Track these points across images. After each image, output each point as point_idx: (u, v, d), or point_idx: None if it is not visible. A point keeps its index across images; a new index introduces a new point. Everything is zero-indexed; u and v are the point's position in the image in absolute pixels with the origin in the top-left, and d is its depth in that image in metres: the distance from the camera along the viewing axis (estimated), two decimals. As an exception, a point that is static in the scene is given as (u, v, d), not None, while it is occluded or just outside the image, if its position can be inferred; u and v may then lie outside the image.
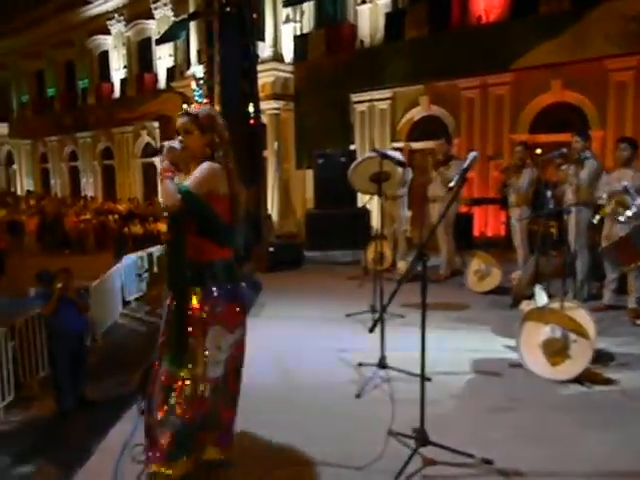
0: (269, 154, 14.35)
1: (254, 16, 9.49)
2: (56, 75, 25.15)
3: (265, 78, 13.81)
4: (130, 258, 8.33)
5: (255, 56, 10.14)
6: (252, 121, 9.25)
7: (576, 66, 10.07)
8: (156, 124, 19.22)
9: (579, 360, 3.61)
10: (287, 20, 14.72)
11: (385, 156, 4.46)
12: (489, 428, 3.08)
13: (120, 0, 20.34)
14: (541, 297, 4.21)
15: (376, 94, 13.23)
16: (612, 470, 2.64)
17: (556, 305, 3.91)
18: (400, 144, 12.10)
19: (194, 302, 2.34)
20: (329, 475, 2.61)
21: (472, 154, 2.67)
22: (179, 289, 2.39)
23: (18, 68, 27.23)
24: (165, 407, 2.30)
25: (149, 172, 19.87)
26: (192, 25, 15.35)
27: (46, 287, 5.49)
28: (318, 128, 13.77)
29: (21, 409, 5.39)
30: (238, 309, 2.45)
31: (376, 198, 4.99)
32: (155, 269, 8.43)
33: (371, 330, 2.82)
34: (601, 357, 3.95)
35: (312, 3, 14.22)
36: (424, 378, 2.66)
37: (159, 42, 15.14)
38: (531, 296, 4.69)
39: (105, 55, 22.23)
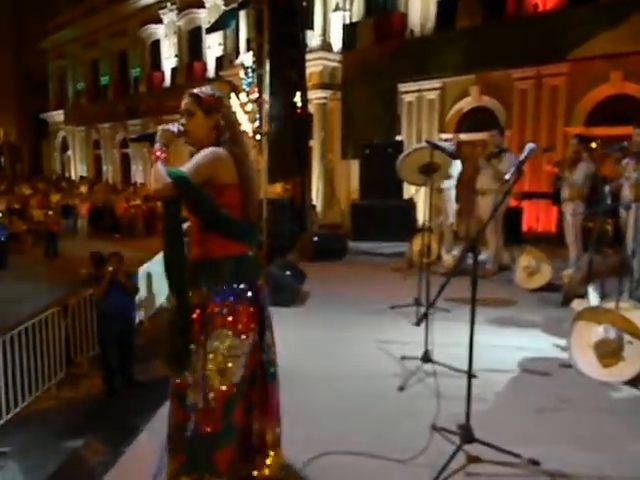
0: (315, 144, 14.34)
1: (304, 4, 9.47)
2: (110, 64, 25.91)
3: (313, 67, 13.79)
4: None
5: (304, 45, 10.14)
6: (299, 111, 9.27)
7: (638, 57, 9.60)
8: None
9: (633, 362, 3.47)
10: (336, 8, 14.62)
11: (436, 147, 4.38)
12: (536, 428, 2.99)
13: (172, -10, 20.70)
14: (594, 296, 4.06)
15: (425, 84, 13.02)
16: (666, 479, 2.52)
17: (611, 305, 3.76)
18: (448, 135, 11.87)
19: (196, 304, 2.12)
20: (372, 466, 2.60)
21: (530, 145, 2.57)
22: (178, 289, 2.13)
23: (75, 57, 28.21)
24: (181, 414, 2.14)
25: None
26: (242, 14, 15.42)
27: (97, 269, 5.69)
28: (365, 118, 13.65)
29: (71, 386, 5.62)
30: (252, 310, 2.16)
31: (423, 190, 4.91)
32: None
33: (417, 324, 2.78)
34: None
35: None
36: (471, 374, 2.60)
37: (209, 31, 15.30)
38: (583, 295, 4.53)
39: (156, 44, 22.72)
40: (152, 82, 22.73)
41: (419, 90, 13.23)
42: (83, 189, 21.63)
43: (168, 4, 21.29)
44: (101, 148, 27.15)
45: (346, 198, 14.29)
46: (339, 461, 2.63)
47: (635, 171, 5.06)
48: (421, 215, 9.40)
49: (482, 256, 6.73)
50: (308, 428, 2.74)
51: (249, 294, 2.16)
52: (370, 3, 14.58)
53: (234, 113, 2.27)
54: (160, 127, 2.17)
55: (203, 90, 2.21)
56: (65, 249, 12.67)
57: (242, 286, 2.14)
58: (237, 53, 17.16)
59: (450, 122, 13.01)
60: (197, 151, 2.16)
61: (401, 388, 3.46)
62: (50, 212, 14.74)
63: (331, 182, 15.21)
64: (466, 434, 2.61)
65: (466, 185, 7.24)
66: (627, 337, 3.49)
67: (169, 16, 21.51)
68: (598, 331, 3.58)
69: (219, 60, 19.16)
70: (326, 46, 14.66)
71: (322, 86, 14.71)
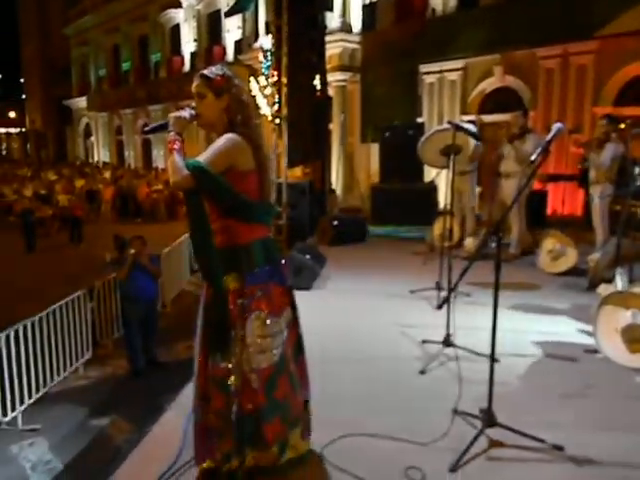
0: (334, 127, 14.23)
1: (323, -15, 9.33)
2: (131, 49, 26.02)
3: (332, 49, 13.63)
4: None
5: (323, 27, 10.00)
6: (318, 93, 9.18)
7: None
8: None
9: (662, 348, 3.39)
10: (356, -11, 14.39)
11: (459, 128, 4.30)
12: (560, 413, 2.96)
13: (191, -27, 20.60)
14: (622, 281, 3.97)
15: (446, 65, 12.77)
16: (695, 466, 2.47)
17: (638, 289, 3.67)
18: (471, 117, 11.65)
19: (231, 290, 2.13)
20: (393, 448, 2.60)
21: (557, 125, 2.49)
22: (212, 277, 2.17)
23: (97, 43, 28.39)
24: (222, 400, 2.15)
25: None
26: (260, -4, 15.34)
27: (120, 252, 5.77)
28: (385, 100, 13.47)
29: (98, 366, 5.75)
30: (282, 289, 2.26)
31: (444, 173, 4.83)
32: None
33: (439, 307, 2.75)
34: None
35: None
36: (493, 358, 2.57)
37: (228, 14, 15.20)
38: (610, 279, 4.43)
39: (176, 29, 22.71)
40: (172, 67, 22.78)
41: (440, 71, 12.98)
42: (107, 175, 21.88)
43: (187, -13, 21.24)
44: (123, 134, 27.39)
45: (366, 181, 14.18)
46: (360, 444, 2.64)
47: (665, 152, 4.92)
48: (442, 198, 9.29)
49: (505, 240, 6.63)
50: (328, 411, 2.74)
51: (278, 274, 2.24)
52: (391, -18, 14.31)
53: (249, 93, 2.25)
54: (171, 115, 2.14)
55: (213, 70, 2.18)
56: (89, 234, 12.87)
57: (271, 267, 2.22)
58: (256, 36, 17.05)
59: (472, 103, 12.77)
60: (216, 136, 2.14)
61: (422, 372, 3.45)
62: (73, 197, 14.94)
63: (351, 165, 15.10)
64: (488, 418, 2.60)
65: (488, 168, 7.12)
66: (655, 322, 3.42)
67: (188, 0, 21.44)
68: (626, 316, 3.50)
69: (238, 44, 19.08)
70: (346, 27, 14.46)
71: (342, 68, 14.54)
